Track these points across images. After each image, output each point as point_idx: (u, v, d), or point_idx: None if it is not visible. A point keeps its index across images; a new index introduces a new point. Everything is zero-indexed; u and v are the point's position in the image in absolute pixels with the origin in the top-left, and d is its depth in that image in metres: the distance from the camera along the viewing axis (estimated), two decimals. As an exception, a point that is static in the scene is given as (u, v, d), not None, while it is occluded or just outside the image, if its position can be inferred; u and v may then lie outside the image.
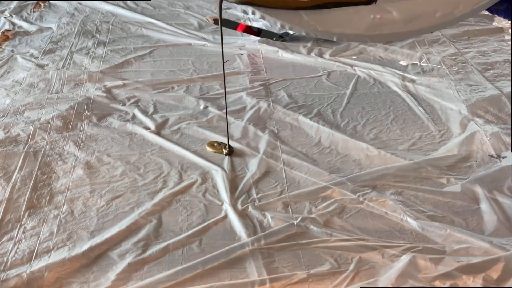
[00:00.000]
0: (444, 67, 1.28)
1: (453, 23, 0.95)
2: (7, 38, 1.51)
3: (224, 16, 1.55)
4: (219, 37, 1.47)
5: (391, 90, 1.19)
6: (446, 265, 0.73)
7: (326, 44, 1.35)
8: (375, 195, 0.88)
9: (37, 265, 0.76)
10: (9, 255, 0.78)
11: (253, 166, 0.95)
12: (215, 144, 1.01)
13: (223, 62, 0.97)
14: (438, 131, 1.05)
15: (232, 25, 1.45)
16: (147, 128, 1.07)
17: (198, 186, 0.91)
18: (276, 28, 1.37)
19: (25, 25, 1.59)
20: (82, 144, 1.03)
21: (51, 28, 1.56)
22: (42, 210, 0.86)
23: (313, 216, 0.83)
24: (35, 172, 0.94)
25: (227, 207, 0.86)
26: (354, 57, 1.33)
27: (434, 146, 1.01)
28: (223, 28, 1.49)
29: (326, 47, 1.35)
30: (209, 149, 1.00)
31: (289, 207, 0.86)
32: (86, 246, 0.78)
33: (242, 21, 1.51)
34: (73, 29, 1.54)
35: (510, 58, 1.26)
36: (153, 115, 1.11)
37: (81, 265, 0.76)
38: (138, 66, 1.33)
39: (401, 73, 1.25)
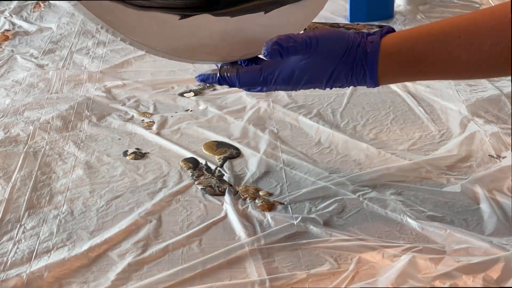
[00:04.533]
0: (444, 67, 1.28)
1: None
2: (7, 38, 1.51)
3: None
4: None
5: (391, 90, 1.19)
6: (446, 265, 0.73)
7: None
8: (375, 195, 0.87)
9: (37, 265, 0.76)
10: (8, 255, 0.77)
11: (253, 166, 0.95)
12: (213, 146, 1.01)
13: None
14: (438, 131, 1.05)
15: None
16: (147, 128, 1.07)
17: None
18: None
19: (25, 25, 1.59)
20: (82, 144, 1.03)
21: (51, 28, 1.56)
22: (42, 210, 0.86)
23: (313, 216, 0.83)
24: (35, 172, 0.94)
25: (227, 207, 0.86)
26: (354, 57, 1.33)
27: (434, 146, 1.01)
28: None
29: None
30: (205, 151, 1.00)
31: (289, 207, 0.86)
32: (86, 246, 0.78)
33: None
34: (73, 29, 1.54)
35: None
36: (153, 115, 1.11)
37: (81, 265, 0.76)
38: (138, 66, 1.33)
39: (401, 73, 1.25)
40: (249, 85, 0.81)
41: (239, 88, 0.81)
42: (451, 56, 0.73)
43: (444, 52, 0.73)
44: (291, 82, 0.79)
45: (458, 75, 0.83)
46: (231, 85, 0.80)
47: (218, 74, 0.80)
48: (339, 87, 0.80)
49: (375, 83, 0.77)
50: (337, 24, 1.43)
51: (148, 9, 0.75)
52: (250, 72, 0.79)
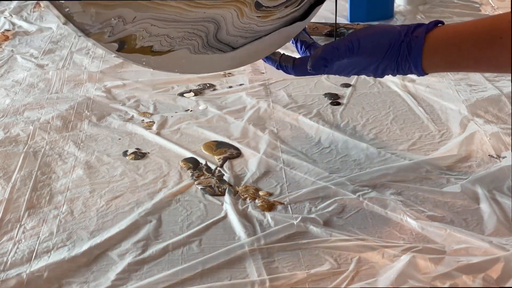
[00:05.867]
0: (444, 67, 1.28)
1: None
2: (7, 38, 1.51)
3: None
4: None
5: (391, 90, 1.19)
6: (446, 265, 0.73)
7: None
8: (375, 195, 0.87)
9: (37, 265, 0.76)
10: (8, 255, 0.77)
11: (252, 166, 0.95)
12: (213, 146, 1.01)
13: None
14: (438, 131, 1.05)
15: None
16: (147, 128, 1.07)
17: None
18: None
19: (25, 25, 1.58)
20: (82, 144, 1.02)
21: (51, 28, 1.55)
22: (42, 210, 0.86)
23: (313, 216, 0.83)
24: (35, 172, 0.94)
25: (227, 207, 0.86)
26: (354, 57, 1.33)
27: (434, 146, 1.01)
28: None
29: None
30: (205, 151, 1.00)
31: (289, 207, 0.86)
32: (86, 246, 0.78)
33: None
34: (73, 29, 1.54)
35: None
36: (153, 115, 1.11)
37: (81, 265, 0.76)
38: (138, 66, 1.33)
39: (401, 73, 1.25)
40: (303, 75, 0.86)
41: (294, 75, 0.88)
42: (493, 56, 0.77)
43: (487, 52, 0.76)
44: (342, 73, 0.83)
45: (499, 71, 0.87)
46: (287, 73, 0.87)
47: (278, 61, 0.87)
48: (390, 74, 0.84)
49: (421, 74, 0.80)
50: (338, 24, 1.43)
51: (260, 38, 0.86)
52: (303, 63, 0.84)
